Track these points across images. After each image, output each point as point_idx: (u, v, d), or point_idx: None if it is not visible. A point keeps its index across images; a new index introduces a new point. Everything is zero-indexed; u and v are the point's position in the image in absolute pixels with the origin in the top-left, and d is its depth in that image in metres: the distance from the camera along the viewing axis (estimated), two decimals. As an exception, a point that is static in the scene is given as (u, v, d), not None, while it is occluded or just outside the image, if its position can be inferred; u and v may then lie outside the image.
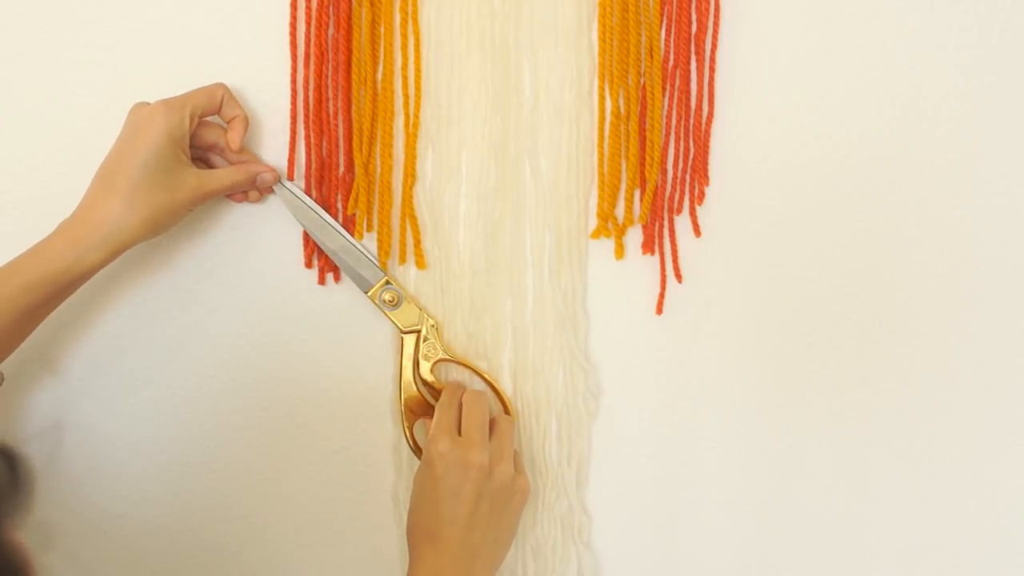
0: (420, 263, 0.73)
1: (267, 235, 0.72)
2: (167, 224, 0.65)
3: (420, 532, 0.66)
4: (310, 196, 0.71)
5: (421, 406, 0.72)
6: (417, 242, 0.72)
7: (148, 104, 0.66)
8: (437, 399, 0.71)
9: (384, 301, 0.71)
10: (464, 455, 0.66)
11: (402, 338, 0.72)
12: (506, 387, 0.75)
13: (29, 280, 0.61)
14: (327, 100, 0.70)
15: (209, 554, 0.76)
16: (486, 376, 0.73)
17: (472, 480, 0.66)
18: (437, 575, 0.64)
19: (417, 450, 0.72)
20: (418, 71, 0.71)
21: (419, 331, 0.71)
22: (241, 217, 0.72)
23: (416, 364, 0.72)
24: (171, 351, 0.72)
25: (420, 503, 0.67)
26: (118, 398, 0.72)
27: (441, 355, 0.72)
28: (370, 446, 0.76)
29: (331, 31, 0.69)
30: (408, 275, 0.73)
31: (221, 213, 0.72)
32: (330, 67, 0.70)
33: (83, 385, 0.72)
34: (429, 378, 0.72)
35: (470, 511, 0.66)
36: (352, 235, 0.71)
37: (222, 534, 0.76)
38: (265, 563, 0.77)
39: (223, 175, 0.68)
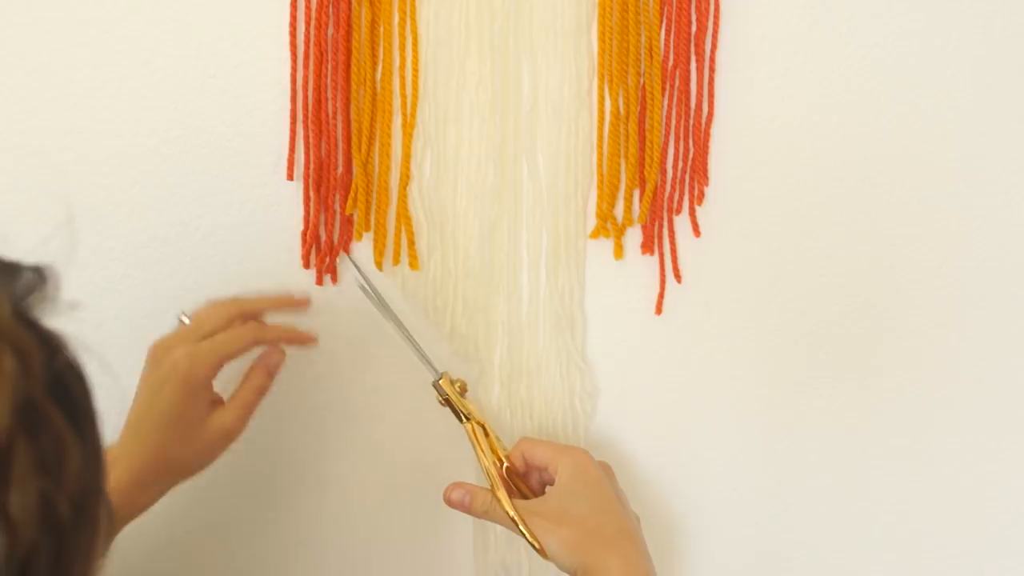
0: (413, 264, 0.73)
1: (266, 236, 0.72)
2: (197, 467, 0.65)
3: (602, 540, 0.63)
4: (309, 197, 0.71)
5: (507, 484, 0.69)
6: (411, 243, 0.72)
7: (169, 347, 0.63)
8: (516, 474, 0.69)
9: (458, 389, 0.70)
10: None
11: (472, 427, 0.69)
12: (496, 387, 0.74)
13: None
14: (326, 100, 0.70)
15: (208, 556, 0.76)
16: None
17: (608, 471, 0.70)
18: (645, 575, 0.63)
19: (523, 523, 0.65)
20: (415, 71, 0.71)
21: (482, 423, 0.69)
22: (240, 218, 0.72)
23: (493, 450, 0.69)
24: (171, 351, 0.72)
25: (592, 511, 0.64)
26: (118, 399, 0.72)
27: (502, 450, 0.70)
28: (370, 447, 0.76)
29: (331, 31, 0.69)
30: (402, 276, 0.73)
31: (220, 213, 0.72)
32: (329, 67, 0.70)
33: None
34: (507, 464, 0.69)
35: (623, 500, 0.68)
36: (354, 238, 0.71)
37: (222, 536, 0.76)
38: (264, 565, 0.77)
39: (239, 405, 0.65)
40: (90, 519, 0.37)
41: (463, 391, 0.70)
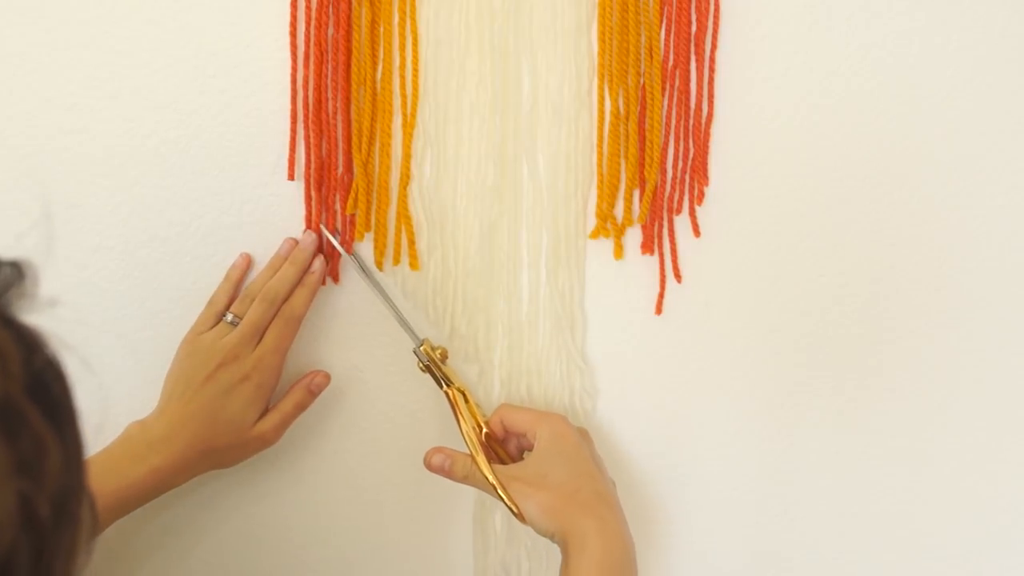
0: (413, 264, 0.73)
1: (266, 236, 0.72)
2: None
3: (579, 504, 0.63)
4: (310, 197, 0.71)
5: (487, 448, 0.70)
6: (411, 243, 0.72)
7: (237, 353, 0.67)
8: (496, 440, 0.70)
9: (439, 356, 0.71)
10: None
11: (453, 393, 0.70)
12: (496, 387, 0.75)
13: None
14: (327, 100, 0.70)
15: (204, 553, 0.76)
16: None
17: (586, 436, 0.71)
18: (621, 538, 0.63)
19: (501, 487, 0.66)
20: (415, 71, 0.71)
21: (462, 389, 0.70)
22: (240, 218, 0.72)
23: (473, 416, 0.70)
24: (172, 352, 0.71)
25: (570, 476, 0.65)
26: (119, 399, 0.73)
27: (481, 416, 0.70)
28: (370, 446, 0.76)
29: (331, 31, 0.69)
30: (402, 276, 0.73)
31: (220, 213, 0.72)
32: (329, 67, 0.70)
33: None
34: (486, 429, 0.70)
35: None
36: (354, 240, 0.71)
37: (218, 533, 0.76)
38: (262, 563, 0.77)
39: (279, 417, 0.69)
40: (71, 518, 0.36)
41: (444, 358, 0.71)
